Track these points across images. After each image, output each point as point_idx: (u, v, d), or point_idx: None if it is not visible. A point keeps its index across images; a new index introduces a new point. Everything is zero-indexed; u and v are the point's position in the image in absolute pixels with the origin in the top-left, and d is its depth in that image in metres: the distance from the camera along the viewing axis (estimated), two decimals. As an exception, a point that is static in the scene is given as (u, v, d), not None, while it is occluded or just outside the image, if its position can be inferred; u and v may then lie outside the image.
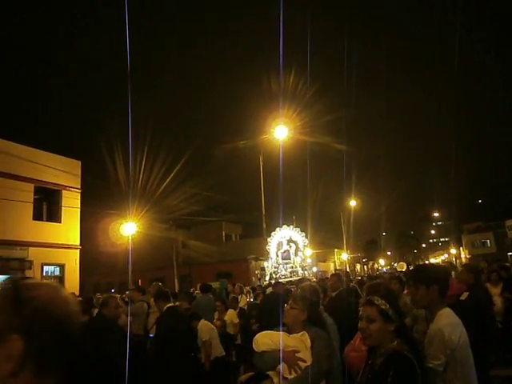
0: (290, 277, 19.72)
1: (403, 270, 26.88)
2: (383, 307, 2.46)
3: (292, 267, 21.30)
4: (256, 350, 3.39)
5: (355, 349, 3.23)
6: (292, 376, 3.19)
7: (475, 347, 2.65)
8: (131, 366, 4.05)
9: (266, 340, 3.38)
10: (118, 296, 6.11)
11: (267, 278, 21.31)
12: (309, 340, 3.29)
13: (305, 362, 3.19)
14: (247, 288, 12.92)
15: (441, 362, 2.48)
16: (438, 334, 2.54)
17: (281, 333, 3.48)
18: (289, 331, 3.45)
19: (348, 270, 40.80)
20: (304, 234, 22.54)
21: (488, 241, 64.59)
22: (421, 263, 40.80)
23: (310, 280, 11.49)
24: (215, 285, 17.00)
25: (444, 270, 3.05)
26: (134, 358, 4.27)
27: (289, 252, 21.75)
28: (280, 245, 21.90)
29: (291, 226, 22.76)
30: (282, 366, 3.21)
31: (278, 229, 22.23)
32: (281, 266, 21.25)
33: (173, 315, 5.47)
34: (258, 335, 3.52)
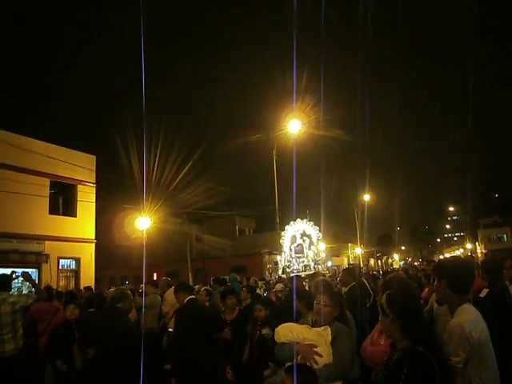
0: (303, 271, 19.65)
1: (397, 266, 27.27)
2: (382, 301, 2.56)
3: (304, 261, 21.22)
4: (277, 341, 3.41)
5: (373, 343, 3.19)
6: None
7: (495, 345, 2.59)
8: (146, 359, 4.05)
9: (286, 332, 3.38)
10: (127, 288, 6.14)
11: (280, 271, 21.30)
12: (330, 336, 3.25)
13: (321, 356, 3.16)
14: (260, 283, 12.90)
15: (460, 359, 2.43)
16: (457, 330, 2.48)
17: (295, 325, 3.47)
18: (314, 324, 3.43)
19: (362, 264, 40.65)
20: (318, 227, 22.43)
21: (504, 235, 63.88)
22: (436, 258, 40.46)
23: (323, 275, 11.44)
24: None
25: (455, 264, 2.90)
26: (148, 351, 4.26)
27: (302, 246, 21.67)
28: (293, 239, 21.83)
29: (305, 220, 22.67)
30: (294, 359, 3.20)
31: (291, 222, 22.18)
32: (294, 260, 21.19)
33: (194, 307, 5.40)
34: (280, 326, 3.51)
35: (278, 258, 22.57)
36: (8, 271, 6.13)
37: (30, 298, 5.80)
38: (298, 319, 3.96)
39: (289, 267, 20.77)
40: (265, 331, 5.22)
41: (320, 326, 3.35)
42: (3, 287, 5.60)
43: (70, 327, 5.57)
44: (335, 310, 3.42)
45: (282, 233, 22.11)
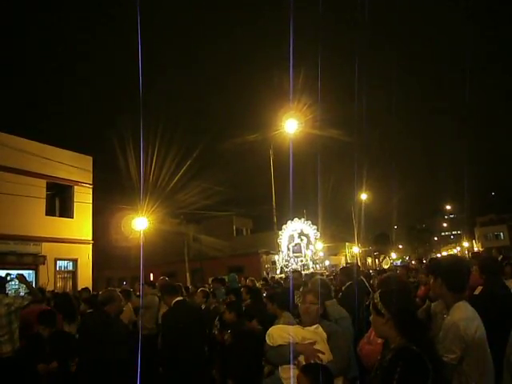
0: (302, 270, 19.65)
1: (387, 266, 27.67)
2: (375, 301, 2.53)
3: (302, 261, 21.24)
4: (271, 344, 3.37)
5: (370, 342, 3.19)
6: None
7: (490, 342, 2.60)
8: (141, 361, 4.00)
9: (282, 333, 3.36)
10: (117, 289, 5.99)
11: (278, 271, 21.31)
12: (324, 333, 3.26)
13: (323, 353, 3.16)
14: (259, 282, 12.90)
15: (455, 356, 2.44)
16: (452, 328, 2.49)
17: (288, 326, 3.46)
18: (301, 324, 3.42)
19: (359, 263, 40.66)
20: (315, 227, 22.45)
21: (501, 233, 64.04)
22: (433, 256, 40.55)
23: (321, 274, 11.45)
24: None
25: (451, 262, 2.93)
26: (143, 352, 4.20)
27: (300, 245, 21.69)
28: (291, 238, 21.86)
29: (302, 219, 22.70)
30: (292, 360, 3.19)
31: (289, 221, 22.20)
32: (292, 260, 21.21)
33: (180, 310, 5.06)
34: (271, 329, 3.50)
35: (276, 257, 22.59)
36: (4, 273, 6.09)
37: (26, 300, 5.78)
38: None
39: (287, 266, 20.79)
40: (227, 336, 5.20)
41: (306, 326, 3.36)
42: (-2, 289, 5.58)
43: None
44: (320, 308, 3.44)
45: (280, 232, 22.12)
